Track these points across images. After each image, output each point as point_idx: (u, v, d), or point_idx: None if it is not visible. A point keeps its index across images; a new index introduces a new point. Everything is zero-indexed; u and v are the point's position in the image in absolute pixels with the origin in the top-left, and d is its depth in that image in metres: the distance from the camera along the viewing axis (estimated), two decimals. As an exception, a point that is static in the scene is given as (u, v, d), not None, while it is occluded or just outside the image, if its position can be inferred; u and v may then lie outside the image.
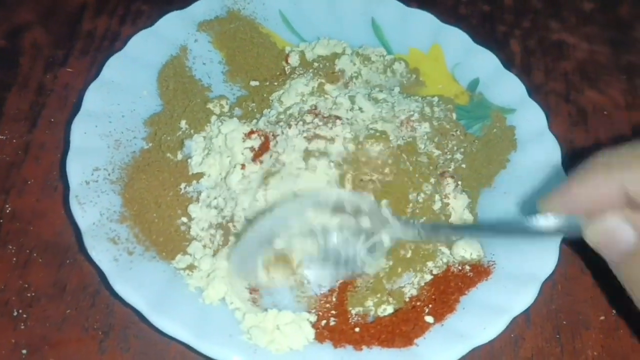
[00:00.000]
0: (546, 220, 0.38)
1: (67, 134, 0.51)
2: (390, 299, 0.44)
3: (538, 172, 0.52)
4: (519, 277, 0.45)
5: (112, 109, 0.51)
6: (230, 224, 0.46)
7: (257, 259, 0.41)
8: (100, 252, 0.42)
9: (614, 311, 0.49)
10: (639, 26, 0.70)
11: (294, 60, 0.57)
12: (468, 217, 0.49)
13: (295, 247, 0.40)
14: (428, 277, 0.46)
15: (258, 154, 0.48)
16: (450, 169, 0.51)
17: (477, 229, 0.46)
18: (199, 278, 0.43)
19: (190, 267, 0.44)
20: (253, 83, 0.57)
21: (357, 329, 0.42)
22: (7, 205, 0.49)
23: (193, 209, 0.47)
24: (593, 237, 0.38)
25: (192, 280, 0.43)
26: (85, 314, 0.44)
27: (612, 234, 0.37)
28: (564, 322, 0.48)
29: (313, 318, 0.42)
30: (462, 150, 0.52)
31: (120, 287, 0.41)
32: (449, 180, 0.50)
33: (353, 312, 0.43)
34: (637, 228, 0.36)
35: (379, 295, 0.44)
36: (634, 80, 0.64)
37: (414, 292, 0.45)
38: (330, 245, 0.40)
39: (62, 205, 0.49)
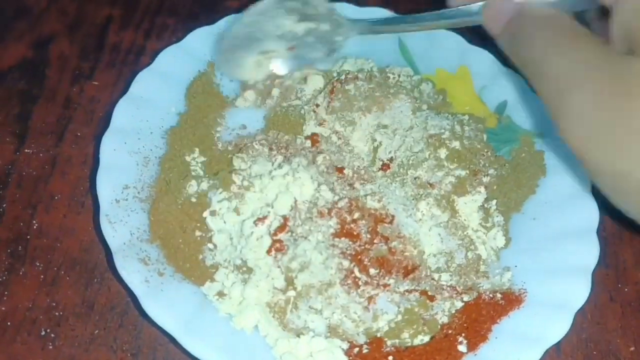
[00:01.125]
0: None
1: (95, 148, 0.51)
2: (426, 329, 0.43)
3: (567, 197, 0.51)
4: (552, 306, 0.45)
5: (141, 125, 0.51)
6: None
7: (240, 54, 0.48)
8: (132, 273, 0.42)
9: (644, 341, 0.48)
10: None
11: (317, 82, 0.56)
12: (501, 240, 0.49)
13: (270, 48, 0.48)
14: (459, 304, 0.45)
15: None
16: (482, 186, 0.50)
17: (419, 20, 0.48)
18: (229, 305, 0.43)
19: (220, 294, 0.43)
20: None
21: (390, 358, 0.41)
22: (34, 221, 0.49)
23: (217, 239, 0.46)
24: (484, 17, 0.42)
25: (222, 306, 0.43)
26: (113, 334, 0.44)
27: (497, 8, 0.41)
28: (594, 352, 0.47)
29: (345, 346, 0.42)
30: (491, 172, 0.52)
31: (152, 308, 0.41)
32: (481, 189, 0.50)
33: (388, 342, 0.43)
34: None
35: (415, 327, 0.43)
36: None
37: (445, 320, 0.44)
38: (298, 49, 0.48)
39: (90, 222, 0.49)
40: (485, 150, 0.53)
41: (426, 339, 0.43)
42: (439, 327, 0.44)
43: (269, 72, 0.49)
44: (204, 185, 0.48)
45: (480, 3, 0.43)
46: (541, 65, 0.37)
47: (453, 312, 0.45)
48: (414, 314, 0.44)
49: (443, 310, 0.45)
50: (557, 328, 0.43)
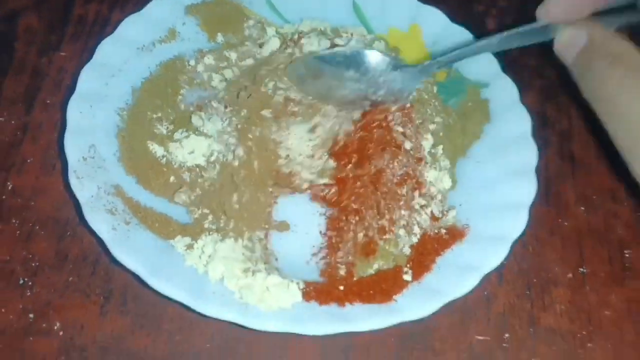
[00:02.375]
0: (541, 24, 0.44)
1: (63, 114, 0.54)
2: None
3: (510, 142, 0.55)
4: (491, 239, 0.48)
5: (105, 89, 0.54)
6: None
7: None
8: (99, 223, 0.45)
9: (580, 269, 0.52)
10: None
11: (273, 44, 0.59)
12: (447, 182, 0.53)
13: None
14: (415, 240, 0.49)
15: None
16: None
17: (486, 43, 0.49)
18: (197, 257, 0.46)
19: (189, 246, 0.47)
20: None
21: (341, 287, 0.45)
22: (9, 183, 0.52)
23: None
24: (558, 46, 0.43)
25: (189, 257, 0.46)
26: (86, 281, 0.47)
27: (568, 39, 0.42)
28: (534, 280, 0.51)
29: (302, 284, 0.45)
30: (438, 120, 0.55)
31: (119, 252, 0.44)
32: (428, 136, 0.53)
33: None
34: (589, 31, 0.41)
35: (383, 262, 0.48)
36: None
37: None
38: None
39: (61, 183, 0.52)
40: (433, 101, 0.57)
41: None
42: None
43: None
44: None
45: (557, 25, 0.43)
46: (613, 106, 0.38)
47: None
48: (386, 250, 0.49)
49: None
50: (494, 257, 0.47)
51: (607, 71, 0.38)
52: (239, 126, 0.51)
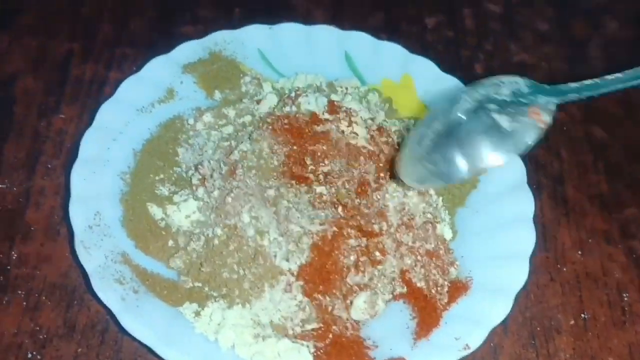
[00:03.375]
0: None
1: (65, 178, 0.54)
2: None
3: (506, 190, 0.56)
4: (495, 290, 0.49)
5: (107, 154, 0.54)
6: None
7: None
8: (108, 293, 0.46)
9: (582, 315, 0.53)
10: (592, 44, 0.75)
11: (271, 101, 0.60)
12: (448, 233, 0.54)
13: None
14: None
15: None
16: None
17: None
18: (206, 324, 0.46)
19: (197, 313, 0.47)
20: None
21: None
22: (13, 252, 0.52)
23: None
24: None
25: (198, 324, 0.46)
26: (95, 351, 0.48)
27: None
28: (538, 329, 0.52)
29: (312, 347, 0.46)
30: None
31: (129, 323, 0.45)
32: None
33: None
34: None
35: None
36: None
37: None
38: None
39: (66, 248, 0.52)
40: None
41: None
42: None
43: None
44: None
45: None
46: None
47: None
48: None
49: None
50: (500, 309, 0.48)
51: None
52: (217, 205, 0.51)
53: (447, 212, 0.55)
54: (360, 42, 0.66)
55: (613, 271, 0.56)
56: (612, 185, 0.62)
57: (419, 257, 0.51)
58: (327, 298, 0.47)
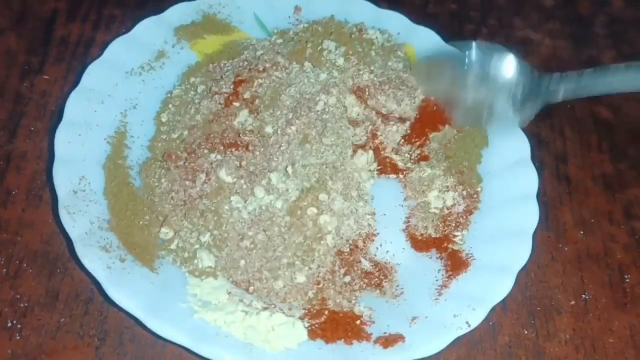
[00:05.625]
0: None
1: (48, 142, 0.51)
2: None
3: (509, 167, 0.54)
4: (496, 268, 0.48)
5: (93, 116, 0.51)
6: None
7: None
8: (93, 261, 0.43)
9: (582, 296, 0.52)
10: (597, 21, 0.73)
11: None
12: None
13: None
14: None
15: None
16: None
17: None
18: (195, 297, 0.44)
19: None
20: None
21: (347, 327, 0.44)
22: (-7, 217, 0.49)
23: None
24: None
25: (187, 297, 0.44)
26: (79, 322, 0.45)
27: None
28: (538, 308, 0.51)
29: (307, 322, 0.44)
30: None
31: (115, 293, 0.42)
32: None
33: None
34: None
35: None
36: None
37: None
38: None
39: (49, 214, 0.50)
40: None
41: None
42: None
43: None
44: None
45: None
46: None
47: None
48: None
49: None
50: (501, 288, 0.46)
51: None
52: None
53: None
54: (360, 9, 0.63)
55: (615, 252, 0.55)
56: (616, 166, 0.60)
57: None
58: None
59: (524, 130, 0.56)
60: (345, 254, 0.47)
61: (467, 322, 0.44)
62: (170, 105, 0.55)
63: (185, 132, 0.52)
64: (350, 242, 0.48)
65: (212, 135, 0.50)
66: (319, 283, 0.46)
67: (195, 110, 0.53)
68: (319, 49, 0.56)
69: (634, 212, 0.57)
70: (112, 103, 0.53)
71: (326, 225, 0.47)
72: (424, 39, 0.63)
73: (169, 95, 0.56)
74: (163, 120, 0.54)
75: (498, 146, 0.56)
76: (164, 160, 0.50)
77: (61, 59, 0.59)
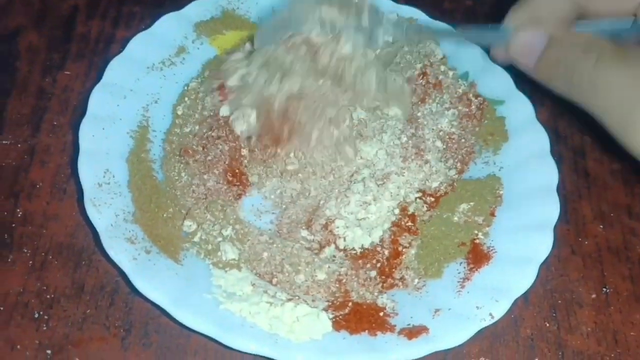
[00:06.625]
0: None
1: (73, 136, 0.52)
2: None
3: (529, 160, 0.54)
4: (518, 261, 0.48)
5: (116, 111, 0.52)
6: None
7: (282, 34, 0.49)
8: (119, 252, 0.44)
9: (603, 289, 0.52)
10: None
11: None
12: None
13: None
14: None
15: None
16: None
17: (454, 33, 0.54)
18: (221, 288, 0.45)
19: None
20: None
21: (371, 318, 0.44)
22: (18, 210, 0.49)
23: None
24: (512, 53, 0.43)
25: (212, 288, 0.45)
26: (105, 313, 0.46)
27: (527, 43, 0.42)
28: (559, 301, 0.51)
29: (331, 313, 0.44)
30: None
31: (141, 283, 0.43)
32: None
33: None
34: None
35: None
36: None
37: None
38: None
39: (73, 207, 0.50)
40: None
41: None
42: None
43: None
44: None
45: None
46: (593, 88, 0.38)
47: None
48: None
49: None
50: (523, 281, 0.46)
51: (581, 62, 0.39)
52: None
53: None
54: (378, 3, 0.63)
55: (635, 246, 0.55)
56: (634, 160, 0.60)
57: None
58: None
59: (543, 124, 0.56)
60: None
61: (490, 314, 0.45)
62: (186, 99, 0.55)
63: (197, 127, 0.53)
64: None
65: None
66: (340, 280, 0.47)
67: (203, 106, 0.54)
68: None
69: (653, 205, 0.57)
70: (134, 98, 0.54)
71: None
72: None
73: (186, 88, 0.56)
74: (179, 113, 0.54)
75: (517, 140, 0.56)
76: (181, 155, 0.51)
77: (82, 55, 0.60)
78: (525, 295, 0.49)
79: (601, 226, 0.55)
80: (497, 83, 0.60)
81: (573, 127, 0.62)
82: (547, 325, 0.49)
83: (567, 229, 0.55)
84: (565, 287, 0.51)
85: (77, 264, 0.48)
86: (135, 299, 0.46)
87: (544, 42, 0.41)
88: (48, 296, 0.46)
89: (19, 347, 0.44)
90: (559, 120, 0.62)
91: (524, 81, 0.63)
